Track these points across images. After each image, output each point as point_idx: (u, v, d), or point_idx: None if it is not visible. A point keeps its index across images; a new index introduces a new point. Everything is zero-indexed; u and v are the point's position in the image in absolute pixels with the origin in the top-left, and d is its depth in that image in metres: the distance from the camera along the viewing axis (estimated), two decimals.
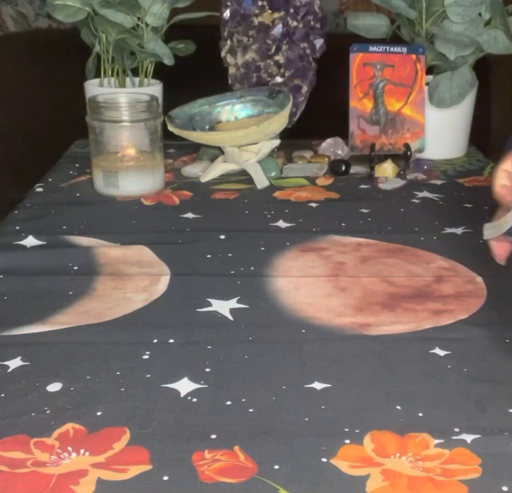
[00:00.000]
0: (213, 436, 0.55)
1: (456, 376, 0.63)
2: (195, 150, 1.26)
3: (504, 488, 0.49)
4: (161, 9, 1.26)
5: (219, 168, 1.16)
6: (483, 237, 0.77)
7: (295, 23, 1.25)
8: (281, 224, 0.98)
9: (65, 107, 1.61)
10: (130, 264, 0.85)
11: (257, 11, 1.25)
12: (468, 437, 0.54)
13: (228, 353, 0.66)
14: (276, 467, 0.51)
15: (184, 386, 0.61)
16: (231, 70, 1.30)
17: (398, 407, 0.58)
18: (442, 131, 1.27)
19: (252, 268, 0.84)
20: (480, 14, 1.20)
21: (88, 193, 1.09)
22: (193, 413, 0.57)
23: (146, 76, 1.31)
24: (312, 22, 1.26)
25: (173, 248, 0.89)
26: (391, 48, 1.21)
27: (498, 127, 1.89)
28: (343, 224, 0.98)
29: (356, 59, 1.21)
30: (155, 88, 1.30)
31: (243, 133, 1.14)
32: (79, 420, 0.56)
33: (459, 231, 0.95)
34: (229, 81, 1.31)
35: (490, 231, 0.75)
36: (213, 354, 0.66)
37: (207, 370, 0.63)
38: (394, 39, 1.28)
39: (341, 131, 1.25)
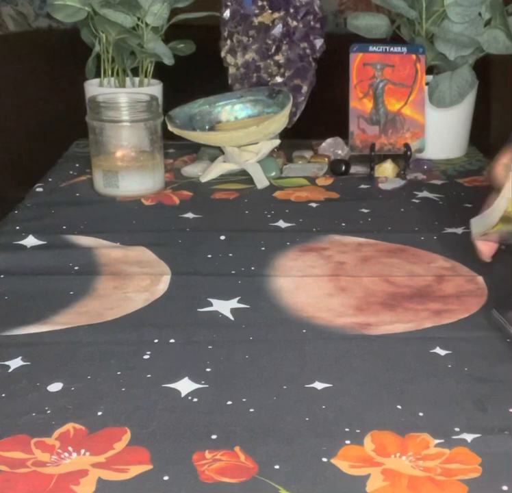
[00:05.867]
0: (214, 436, 0.55)
1: (457, 375, 0.63)
2: (195, 150, 1.26)
3: (504, 488, 0.49)
4: (161, 9, 1.26)
5: (219, 168, 1.16)
6: (471, 234, 0.77)
7: (295, 23, 1.25)
8: (281, 224, 0.98)
9: (65, 107, 1.61)
10: (130, 264, 0.85)
11: (257, 11, 1.25)
12: (468, 437, 0.54)
13: (229, 353, 0.66)
14: (277, 467, 0.51)
15: (185, 386, 0.61)
16: (231, 70, 1.30)
17: (399, 407, 0.58)
18: (442, 131, 1.27)
19: (252, 268, 0.84)
20: (480, 14, 1.20)
21: (88, 193, 1.09)
22: (194, 413, 0.57)
23: (146, 76, 1.31)
24: (312, 22, 1.26)
25: (173, 248, 0.89)
26: (391, 48, 1.21)
27: (498, 127, 1.89)
28: (343, 224, 0.98)
29: (356, 59, 1.21)
30: (155, 88, 1.30)
31: (243, 133, 1.14)
32: (80, 420, 0.56)
33: (459, 231, 0.95)
34: (229, 81, 1.31)
35: (479, 226, 0.75)
36: (214, 354, 0.66)
37: (208, 370, 0.63)
38: (394, 39, 1.28)
39: (341, 131, 1.25)
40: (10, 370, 0.63)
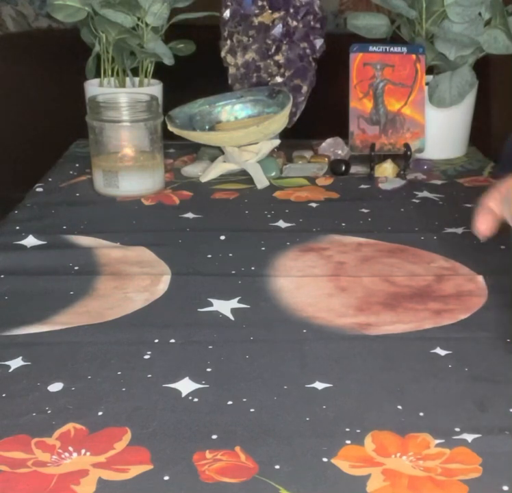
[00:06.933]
0: (214, 436, 0.55)
1: (457, 375, 0.63)
2: (195, 150, 1.26)
3: (505, 488, 0.49)
4: (161, 9, 1.26)
5: (219, 168, 1.16)
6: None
7: (295, 23, 1.25)
8: (281, 224, 0.98)
9: (65, 107, 1.61)
10: (130, 264, 0.85)
11: (257, 11, 1.25)
12: (469, 437, 0.54)
13: (230, 353, 0.66)
14: (277, 467, 0.51)
15: (185, 386, 0.61)
16: (231, 70, 1.30)
17: (399, 407, 0.58)
18: (442, 131, 1.27)
19: (252, 268, 0.84)
20: (480, 14, 1.20)
21: (88, 193, 1.09)
22: (194, 413, 0.57)
23: (146, 76, 1.31)
24: (312, 22, 1.26)
25: (173, 248, 0.89)
26: (391, 48, 1.21)
27: (498, 127, 1.89)
28: (343, 224, 0.98)
29: (356, 59, 1.21)
30: (155, 88, 1.30)
31: (243, 133, 1.14)
32: (80, 420, 0.56)
33: (459, 230, 0.95)
34: (229, 81, 1.31)
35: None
36: (215, 354, 0.66)
37: (208, 370, 0.63)
38: (394, 39, 1.28)
39: (341, 131, 1.25)
40: (10, 370, 0.63)
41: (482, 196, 0.67)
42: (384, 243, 0.91)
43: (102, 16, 1.22)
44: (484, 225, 0.73)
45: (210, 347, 0.67)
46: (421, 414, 0.57)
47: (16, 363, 0.64)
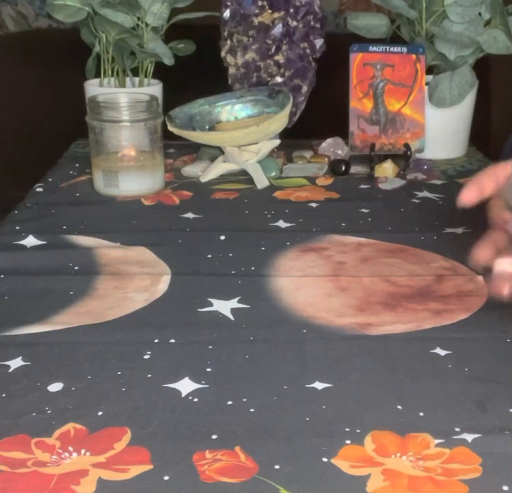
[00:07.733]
0: (214, 436, 0.55)
1: (457, 376, 0.63)
2: (195, 150, 1.26)
3: (505, 488, 0.49)
4: (161, 9, 1.26)
5: (219, 168, 1.16)
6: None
7: (295, 23, 1.25)
8: (281, 224, 0.98)
9: (65, 107, 1.61)
10: (130, 264, 0.85)
11: (257, 11, 1.25)
12: (469, 437, 0.54)
13: (230, 353, 0.66)
14: (277, 467, 0.51)
15: (185, 386, 0.61)
16: (231, 70, 1.30)
17: (399, 407, 0.58)
18: (442, 131, 1.27)
19: (252, 268, 0.84)
20: (480, 14, 1.20)
21: (88, 193, 1.09)
22: (194, 413, 0.57)
23: (146, 76, 1.31)
24: (312, 22, 1.26)
25: (173, 248, 0.89)
26: (391, 48, 1.21)
27: (498, 127, 1.89)
28: (343, 224, 0.98)
29: (356, 59, 1.21)
30: (155, 88, 1.30)
31: (243, 133, 1.14)
32: (80, 420, 0.56)
33: (459, 230, 0.95)
34: (229, 81, 1.31)
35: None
36: (215, 354, 0.66)
37: (208, 369, 0.63)
38: (394, 39, 1.28)
39: (341, 131, 1.25)
40: (10, 370, 0.63)
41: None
42: (384, 243, 0.91)
43: (102, 16, 1.22)
44: (468, 195, 0.72)
45: (210, 347, 0.67)
46: (421, 414, 0.57)
47: (16, 363, 0.64)
